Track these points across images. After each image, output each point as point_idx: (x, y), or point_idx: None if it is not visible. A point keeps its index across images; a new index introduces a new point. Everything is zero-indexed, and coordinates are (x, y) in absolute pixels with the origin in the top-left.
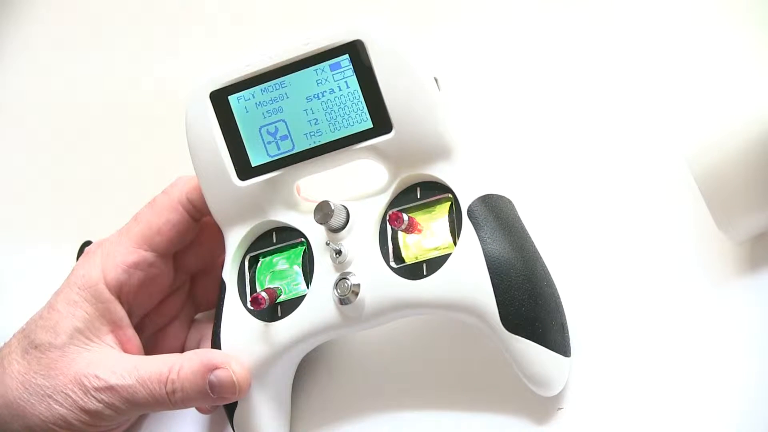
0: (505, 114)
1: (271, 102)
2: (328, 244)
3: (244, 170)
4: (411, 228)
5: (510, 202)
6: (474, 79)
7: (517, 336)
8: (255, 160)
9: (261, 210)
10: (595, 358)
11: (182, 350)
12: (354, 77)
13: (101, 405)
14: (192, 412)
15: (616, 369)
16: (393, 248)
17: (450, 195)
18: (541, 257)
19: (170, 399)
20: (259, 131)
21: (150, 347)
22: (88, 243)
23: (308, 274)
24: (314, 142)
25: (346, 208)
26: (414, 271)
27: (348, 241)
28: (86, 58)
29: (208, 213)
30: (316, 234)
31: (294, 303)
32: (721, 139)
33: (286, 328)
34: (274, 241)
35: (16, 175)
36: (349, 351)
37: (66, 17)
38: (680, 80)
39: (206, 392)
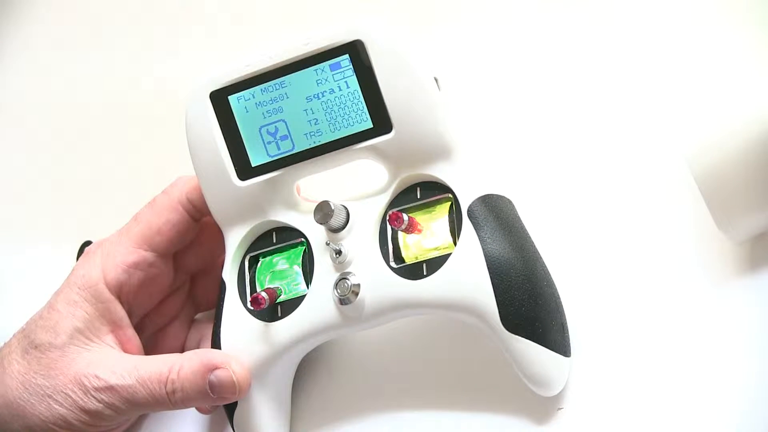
0: (505, 114)
1: (271, 102)
2: (328, 244)
3: (244, 170)
4: (411, 228)
5: (510, 202)
6: (474, 79)
7: (517, 336)
8: (255, 160)
9: (261, 210)
10: (595, 358)
11: (182, 350)
12: (354, 77)
13: (101, 405)
14: (192, 412)
15: (616, 369)
16: (393, 248)
17: (450, 195)
18: (541, 257)
19: (170, 399)
20: (259, 131)
21: (150, 347)
22: (88, 243)
23: (308, 274)
24: (314, 142)
25: (346, 208)
26: (414, 271)
27: (348, 241)
28: (86, 58)
29: (208, 213)
30: (316, 234)
31: (294, 303)
32: (721, 139)
33: (286, 328)
34: (274, 241)
35: (16, 175)
36: (349, 351)
37: (66, 17)
38: (680, 80)
39: (206, 392)
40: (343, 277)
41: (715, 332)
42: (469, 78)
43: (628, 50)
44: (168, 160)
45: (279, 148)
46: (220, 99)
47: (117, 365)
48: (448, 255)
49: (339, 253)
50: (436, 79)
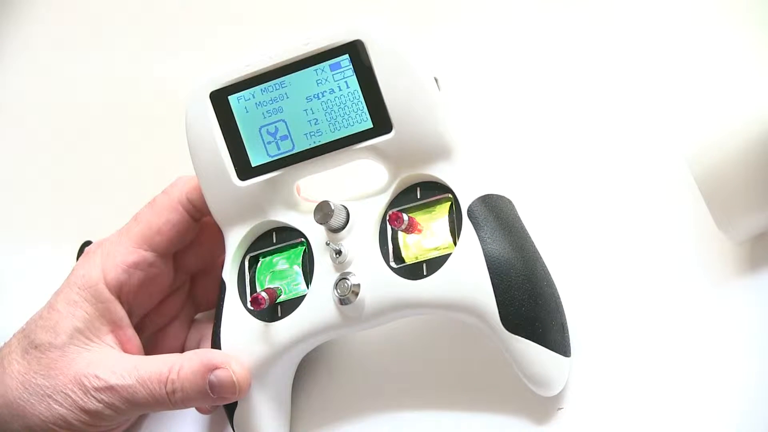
0: (505, 114)
1: (271, 102)
2: (328, 244)
3: (244, 170)
4: (411, 228)
5: (510, 202)
6: (474, 79)
7: (517, 336)
8: (255, 160)
9: (261, 210)
10: (595, 358)
11: (182, 350)
12: (354, 77)
13: (101, 405)
14: (192, 412)
15: (616, 369)
16: (393, 248)
17: (450, 195)
18: (541, 257)
19: (170, 399)
20: (259, 131)
21: (150, 347)
22: (88, 243)
23: (308, 274)
24: (314, 142)
25: (346, 208)
26: (414, 271)
27: (348, 241)
28: (86, 58)
29: (208, 213)
30: (316, 234)
31: (294, 303)
32: (721, 139)
33: (286, 328)
34: (274, 241)
35: (16, 175)
36: (349, 351)
37: (66, 17)
38: (680, 80)
39: (206, 392)
40: (343, 277)
41: (715, 332)
42: (469, 78)
43: (628, 50)
44: (168, 160)
45: (279, 148)
46: (220, 99)
47: (117, 365)
48: (448, 255)
49: (339, 253)
50: (436, 79)
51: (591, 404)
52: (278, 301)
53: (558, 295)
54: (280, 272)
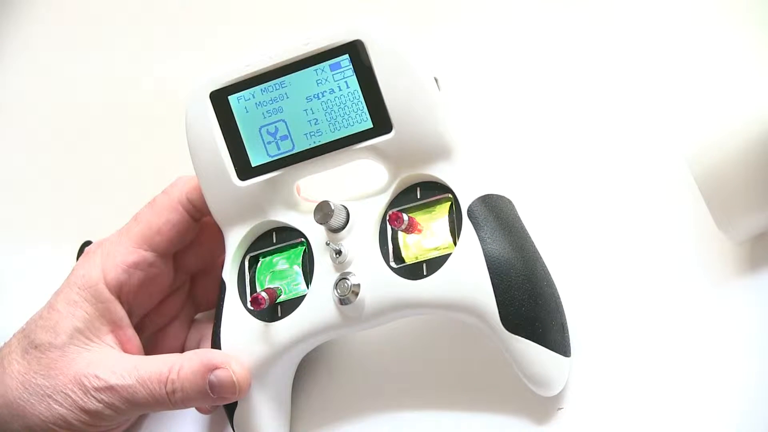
0: (505, 114)
1: (271, 102)
2: (328, 244)
3: (244, 170)
4: (411, 228)
5: (510, 202)
6: (474, 79)
7: (517, 336)
8: (255, 160)
9: (261, 210)
10: (595, 358)
11: (182, 350)
12: (354, 77)
13: (101, 405)
14: (192, 412)
15: (616, 369)
16: (393, 248)
17: (450, 195)
18: (541, 257)
19: (170, 399)
20: (259, 131)
21: (150, 347)
22: (88, 243)
23: (308, 274)
24: (314, 142)
25: (346, 208)
26: (414, 271)
27: (348, 241)
28: (86, 58)
29: (208, 213)
30: (316, 234)
31: (294, 303)
32: (721, 139)
33: (286, 328)
34: (274, 241)
35: (16, 175)
36: (349, 351)
37: (66, 17)
38: (680, 80)
39: (206, 392)
40: (343, 277)
41: (715, 332)
42: (469, 78)
43: (628, 50)
44: (168, 160)
45: (279, 148)
46: (220, 99)
47: (117, 365)
48: (448, 255)
49: (339, 253)
50: (436, 79)
51: (591, 404)
52: (278, 301)
53: (558, 295)
54: (280, 272)
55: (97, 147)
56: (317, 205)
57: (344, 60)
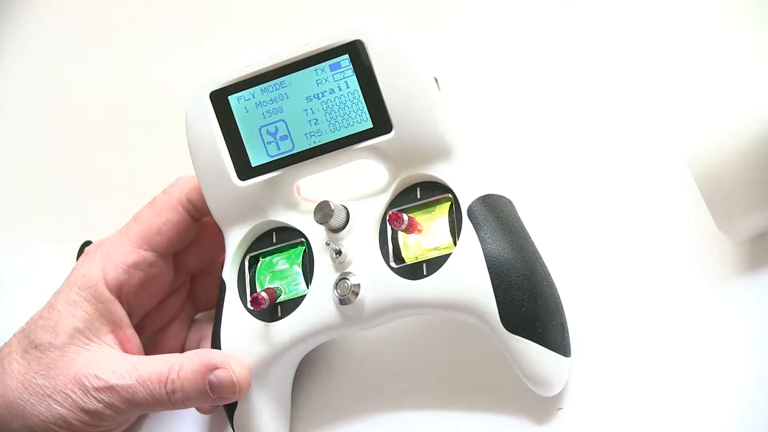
0: (505, 114)
1: (271, 102)
2: (328, 244)
3: (244, 170)
4: (411, 228)
5: (510, 202)
6: (474, 79)
7: (517, 336)
8: (255, 160)
9: (261, 210)
10: (595, 358)
11: (182, 350)
12: (354, 77)
13: (101, 405)
14: (192, 412)
15: (616, 369)
16: (393, 248)
17: (450, 195)
18: (541, 257)
19: (170, 399)
20: (259, 131)
21: (150, 347)
22: (88, 243)
23: (308, 274)
24: (314, 142)
25: (346, 208)
26: (414, 271)
27: (348, 241)
28: (86, 58)
29: (208, 213)
30: (316, 234)
31: (294, 303)
32: (721, 139)
33: (286, 328)
34: (274, 241)
35: (16, 175)
36: (349, 351)
37: (66, 17)
38: (680, 80)
39: (206, 392)
40: (343, 277)
41: (715, 332)
42: (469, 78)
43: (628, 50)
44: (168, 160)
45: (279, 148)
46: (220, 99)
47: (117, 365)
48: (448, 255)
49: (339, 253)
50: (436, 79)
51: (591, 404)
52: (278, 301)
53: (558, 295)
54: (280, 272)
55: (97, 147)
56: (317, 205)
57: (344, 60)
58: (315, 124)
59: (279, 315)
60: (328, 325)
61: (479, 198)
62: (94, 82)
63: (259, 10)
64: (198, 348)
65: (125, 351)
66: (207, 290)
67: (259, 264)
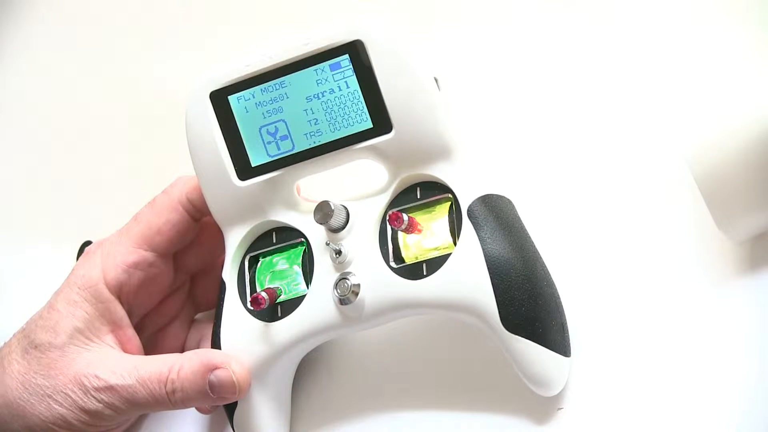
0: (505, 114)
1: (271, 102)
2: (328, 244)
3: (244, 170)
4: (411, 228)
5: (510, 202)
6: (474, 79)
7: (517, 336)
8: (255, 160)
9: (261, 210)
10: (595, 358)
11: (182, 350)
12: (354, 77)
13: (101, 405)
14: (192, 412)
15: (616, 369)
16: (393, 248)
17: (450, 195)
18: (541, 257)
19: (170, 399)
20: (259, 131)
21: (150, 347)
22: (88, 243)
23: (308, 274)
24: (314, 142)
25: (346, 208)
26: (414, 271)
27: (348, 241)
28: (86, 58)
29: (208, 213)
30: (316, 234)
31: (294, 303)
32: (721, 139)
33: (286, 328)
34: (274, 241)
35: (16, 175)
36: (349, 351)
37: (66, 17)
38: (680, 80)
39: (206, 392)
40: (343, 277)
41: (715, 332)
42: (469, 78)
43: (628, 50)
44: (168, 160)
45: (279, 148)
46: (220, 99)
47: (117, 365)
48: (448, 255)
49: (339, 253)
50: (436, 79)
51: (591, 404)
52: (278, 301)
53: (558, 295)
54: (280, 272)
55: (97, 147)
56: (317, 205)
57: (344, 60)
58: (315, 124)
59: (279, 315)
60: (328, 325)
61: (479, 198)
62: (94, 82)
63: (259, 10)
64: (198, 348)
65: (125, 351)
66: (207, 290)
67: (259, 264)
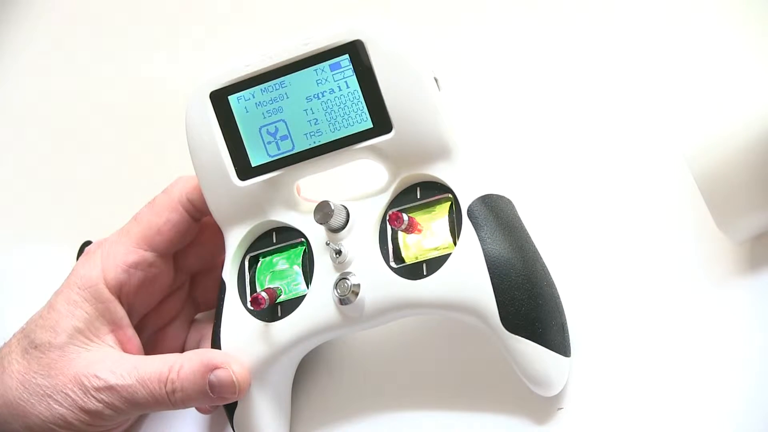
0: (505, 114)
1: (271, 102)
2: (328, 244)
3: (244, 170)
4: (411, 228)
5: (510, 202)
6: (474, 79)
7: (517, 336)
8: (255, 160)
9: (261, 210)
10: (595, 358)
11: (182, 350)
12: (354, 77)
13: (101, 405)
14: (192, 412)
15: (616, 369)
16: (393, 248)
17: (450, 195)
18: (541, 257)
19: (170, 399)
20: (259, 131)
21: (150, 347)
22: (88, 243)
23: (308, 274)
24: (314, 142)
25: (346, 208)
26: (414, 271)
27: (348, 241)
28: (86, 58)
29: (208, 213)
30: (316, 234)
31: (294, 303)
32: (721, 139)
33: (286, 328)
34: (274, 241)
35: (16, 175)
36: (349, 351)
37: (66, 17)
38: (680, 80)
39: (206, 392)
40: (343, 277)
41: (715, 332)
42: (469, 78)
43: (628, 50)
44: (168, 160)
45: (279, 148)
46: (220, 99)
47: (117, 365)
48: (448, 255)
49: (339, 253)
50: (436, 79)
51: (591, 404)
52: (278, 301)
53: (558, 295)
54: (280, 272)
55: (97, 147)
56: (317, 205)
57: (344, 60)
58: (315, 124)
59: (279, 315)
60: (328, 325)
61: (479, 198)
62: (94, 82)
63: (259, 10)
64: (198, 348)
65: (125, 351)
66: (207, 290)
67: (259, 264)
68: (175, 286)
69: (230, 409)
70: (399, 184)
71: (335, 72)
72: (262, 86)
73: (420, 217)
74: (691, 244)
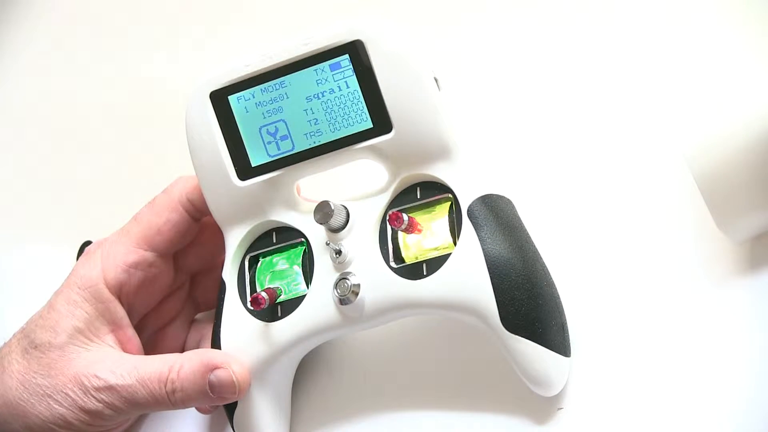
0: (505, 114)
1: (271, 102)
2: (328, 244)
3: (244, 170)
4: (411, 228)
5: (510, 202)
6: (474, 79)
7: (517, 336)
8: (255, 160)
9: (261, 210)
10: (595, 358)
11: (182, 350)
12: (354, 77)
13: (101, 405)
14: (192, 412)
15: (616, 369)
16: (393, 248)
17: (450, 195)
18: (541, 257)
19: (170, 399)
20: (259, 131)
21: (150, 347)
22: (88, 243)
23: (308, 274)
24: (314, 142)
25: (346, 208)
26: (414, 271)
27: (348, 241)
28: (86, 57)
29: (208, 213)
30: (316, 234)
31: (294, 303)
32: (721, 139)
33: (286, 328)
34: (274, 241)
35: (16, 175)
36: (349, 351)
37: (66, 17)
38: (680, 80)
39: (206, 392)
40: (343, 277)
41: (715, 332)
42: (469, 78)
43: (628, 50)
44: (168, 160)
45: (279, 148)
46: (220, 99)
47: (117, 365)
48: (448, 255)
49: (339, 253)
50: (436, 79)
51: (591, 404)
52: (278, 301)
53: (558, 295)
54: (280, 272)
55: (97, 147)
56: (317, 205)
57: (344, 60)
58: (315, 124)
59: (279, 315)
60: (328, 325)
61: (479, 198)
62: (94, 82)
63: (259, 10)
64: (198, 348)
65: (125, 351)
66: (207, 290)
67: (259, 264)
68: (175, 286)
69: (230, 409)
70: (399, 184)
71: (335, 72)
72: (262, 86)
73: (420, 217)
74: (691, 244)
